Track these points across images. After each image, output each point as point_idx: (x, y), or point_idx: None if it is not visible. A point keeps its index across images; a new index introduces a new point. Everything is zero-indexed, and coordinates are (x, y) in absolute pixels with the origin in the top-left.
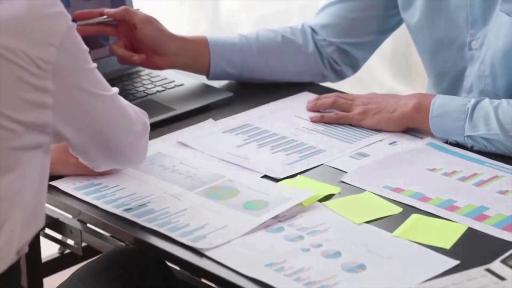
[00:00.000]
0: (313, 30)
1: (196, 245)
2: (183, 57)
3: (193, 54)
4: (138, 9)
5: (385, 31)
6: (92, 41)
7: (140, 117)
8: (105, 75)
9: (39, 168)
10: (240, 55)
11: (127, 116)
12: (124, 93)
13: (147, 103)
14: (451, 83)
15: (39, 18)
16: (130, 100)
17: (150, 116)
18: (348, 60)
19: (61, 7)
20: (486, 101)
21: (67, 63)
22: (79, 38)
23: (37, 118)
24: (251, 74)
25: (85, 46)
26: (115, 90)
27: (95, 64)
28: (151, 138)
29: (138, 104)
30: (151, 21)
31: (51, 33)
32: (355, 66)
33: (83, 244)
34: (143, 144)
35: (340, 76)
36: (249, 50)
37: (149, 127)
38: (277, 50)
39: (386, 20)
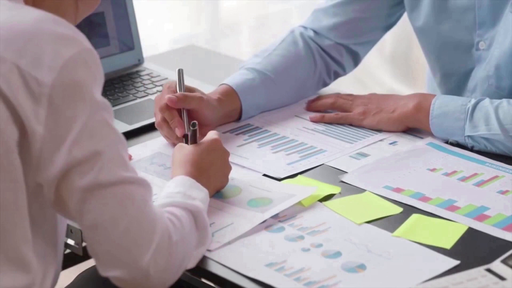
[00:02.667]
0: (317, 33)
1: None
2: (220, 119)
3: (228, 113)
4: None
5: (388, 26)
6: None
7: (164, 222)
8: (105, 75)
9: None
10: (265, 97)
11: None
12: (124, 93)
13: (147, 103)
14: (457, 83)
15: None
16: (130, 100)
17: (151, 116)
18: (353, 61)
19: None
20: (487, 101)
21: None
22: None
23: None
24: (268, 108)
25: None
26: (134, 176)
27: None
28: (152, 138)
29: (138, 104)
30: (206, 103)
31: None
32: (356, 65)
33: (84, 244)
34: (164, 261)
35: (338, 77)
36: (271, 88)
37: (174, 239)
38: (293, 81)
39: (391, 16)
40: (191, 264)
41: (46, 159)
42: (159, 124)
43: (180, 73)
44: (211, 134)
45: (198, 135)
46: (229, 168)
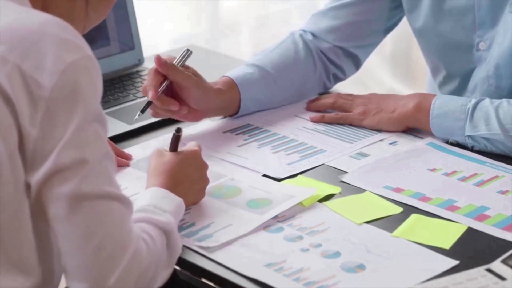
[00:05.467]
0: (315, 36)
1: (203, 244)
2: (218, 110)
3: (227, 104)
4: (187, 67)
5: (388, 29)
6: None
7: (137, 244)
8: (105, 75)
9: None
10: (264, 92)
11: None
12: (124, 93)
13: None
14: (458, 83)
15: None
16: (130, 100)
17: (151, 116)
18: (355, 65)
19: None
20: (487, 101)
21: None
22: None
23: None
24: (269, 106)
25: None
26: (121, 195)
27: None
28: (152, 138)
29: (138, 104)
30: (196, 82)
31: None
32: (357, 68)
33: None
34: (131, 283)
35: (338, 81)
36: (271, 84)
37: (145, 262)
38: (293, 79)
39: (390, 19)
40: (158, 284)
41: (37, 161)
42: (144, 88)
43: (186, 52)
44: (192, 145)
45: (180, 142)
46: (207, 182)
